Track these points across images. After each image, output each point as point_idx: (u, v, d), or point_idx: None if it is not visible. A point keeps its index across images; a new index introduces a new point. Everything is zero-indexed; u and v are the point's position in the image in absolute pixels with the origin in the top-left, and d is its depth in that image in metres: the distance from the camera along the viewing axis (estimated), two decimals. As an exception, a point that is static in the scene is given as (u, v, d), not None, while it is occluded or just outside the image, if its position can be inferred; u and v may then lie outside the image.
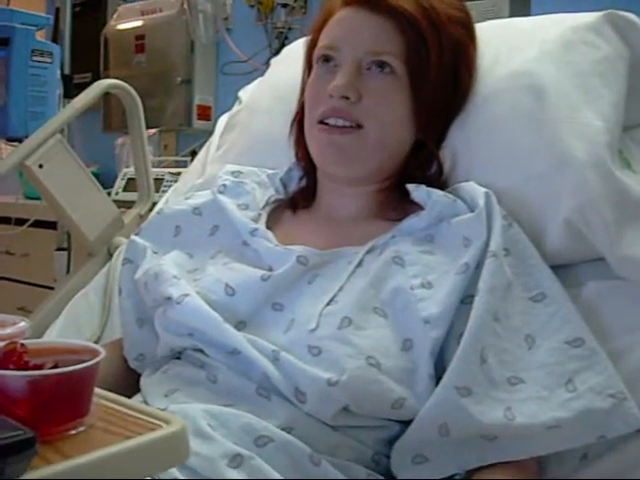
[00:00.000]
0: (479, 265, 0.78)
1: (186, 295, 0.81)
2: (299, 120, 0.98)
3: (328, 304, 0.79)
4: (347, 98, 0.85)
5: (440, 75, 0.88)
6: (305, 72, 0.98)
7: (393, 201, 0.90)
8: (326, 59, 0.89)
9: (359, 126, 0.86)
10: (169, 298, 0.83)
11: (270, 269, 0.85)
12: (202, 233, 0.94)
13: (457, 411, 0.71)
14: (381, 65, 0.86)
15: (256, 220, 0.92)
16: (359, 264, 0.83)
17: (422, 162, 0.91)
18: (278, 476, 0.68)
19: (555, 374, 0.74)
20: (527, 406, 0.72)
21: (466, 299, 0.77)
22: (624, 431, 0.74)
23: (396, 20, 0.86)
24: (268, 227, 0.91)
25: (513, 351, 0.76)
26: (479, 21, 1.03)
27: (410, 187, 0.88)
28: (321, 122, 0.87)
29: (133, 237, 0.98)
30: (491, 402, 0.72)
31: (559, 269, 0.85)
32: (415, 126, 0.89)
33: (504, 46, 0.97)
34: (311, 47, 0.95)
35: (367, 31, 0.86)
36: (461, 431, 0.72)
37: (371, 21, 0.86)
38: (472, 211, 0.83)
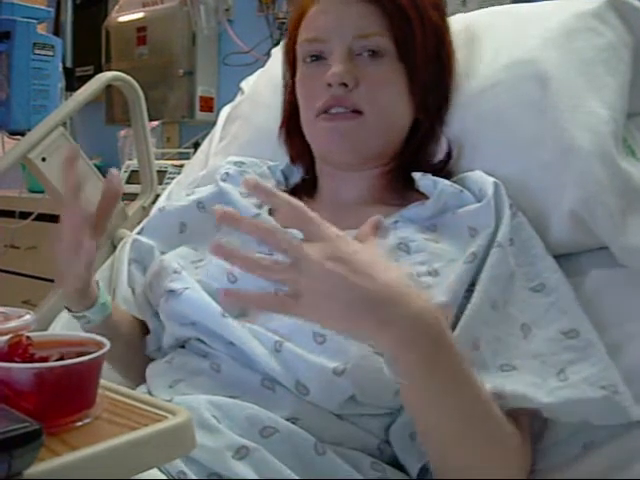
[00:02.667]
0: (485, 255, 0.78)
1: (186, 288, 0.82)
2: (287, 124, 0.98)
3: None
4: (345, 85, 0.85)
5: (426, 54, 0.88)
6: (286, 74, 0.97)
7: (396, 186, 0.90)
8: (313, 56, 0.88)
9: (359, 112, 0.86)
10: (171, 291, 0.83)
11: (271, 253, 0.84)
12: (209, 229, 0.93)
13: None
14: (370, 51, 0.86)
15: (259, 207, 0.92)
16: None
17: (422, 142, 0.91)
18: (284, 468, 0.68)
19: (548, 363, 0.74)
20: (517, 390, 0.71)
21: (469, 288, 0.77)
22: (612, 422, 0.74)
23: (379, 3, 0.85)
24: (270, 214, 0.91)
25: (508, 340, 0.75)
26: (481, 7, 1.02)
27: (416, 176, 0.88)
28: (323, 113, 0.87)
29: (136, 236, 0.98)
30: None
31: (561, 258, 0.85)
32: (412, 105, 0.89)
33: (506, 33, 0.97)
34: (290, 46, 0.94)
35: (351, 17, 0.86)
36: None
37: (354, 7, 0.86)
38: (479, 201, 0.83)
